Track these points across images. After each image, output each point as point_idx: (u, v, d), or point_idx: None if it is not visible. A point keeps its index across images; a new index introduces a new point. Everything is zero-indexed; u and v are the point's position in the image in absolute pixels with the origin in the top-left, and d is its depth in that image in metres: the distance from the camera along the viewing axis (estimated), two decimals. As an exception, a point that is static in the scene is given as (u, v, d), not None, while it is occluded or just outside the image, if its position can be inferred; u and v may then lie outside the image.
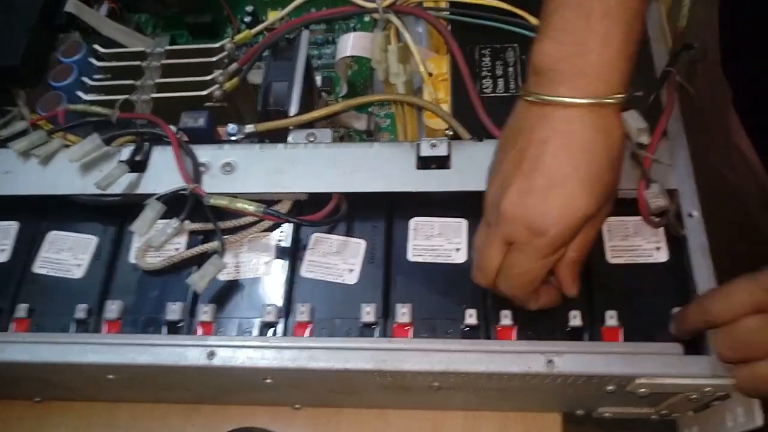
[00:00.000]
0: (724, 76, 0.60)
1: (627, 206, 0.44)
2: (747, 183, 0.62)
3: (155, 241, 0.46)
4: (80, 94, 0.54)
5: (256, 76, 0.58)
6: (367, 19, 0.65)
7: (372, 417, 0.51)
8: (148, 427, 0.52)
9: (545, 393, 0.45)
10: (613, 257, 0.45)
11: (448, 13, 0.55)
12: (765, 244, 0.63)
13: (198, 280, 0.44)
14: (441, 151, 0.46)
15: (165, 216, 0.46)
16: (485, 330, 0.43)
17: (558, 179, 0.34)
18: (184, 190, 0.47)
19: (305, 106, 0.53)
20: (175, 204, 0.47)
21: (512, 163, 0.36)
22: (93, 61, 0.56)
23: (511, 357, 0.40)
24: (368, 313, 0.44)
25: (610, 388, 0.41)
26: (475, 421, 0.51)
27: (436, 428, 0.51)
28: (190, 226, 0.47)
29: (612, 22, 0.34)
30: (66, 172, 0.49)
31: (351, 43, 0.59)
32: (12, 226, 0.50)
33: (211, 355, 0.41)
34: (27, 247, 0.49)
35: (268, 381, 0.43)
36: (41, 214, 0.50)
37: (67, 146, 0.50)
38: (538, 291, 0.39)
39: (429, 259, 0.46)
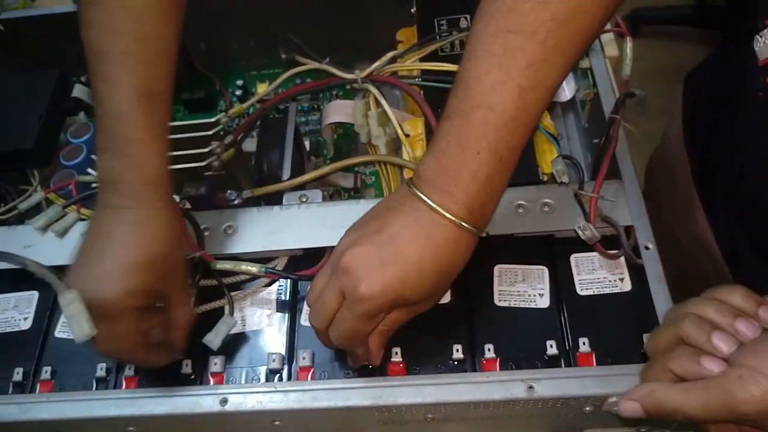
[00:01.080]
0: (685, 149, 0.65)
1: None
2: (703, 256, 0.65)
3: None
4: (90, 171, 0.59)
5: (250, 145, 0.64)
6: (348, 87, 0.72)
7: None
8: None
9: (531, 419, 0.49)
10: (582, 290, 0.50)
11: (420, 80, 0.61)
12: None
13: (213, 338, 0.48)
14: (421, 203, 0.51)
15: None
16: (471, 363, 0.48)
17: (401, 261, 0.39)
18: (192, 256, 0.52)
19: (296, 170, 0.58)
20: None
21: (372, 229, 0.40)
22: (100, 140, 0.61)
23: (495, 386, 0.44)
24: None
25: (587, 408, 0.45)
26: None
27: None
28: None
29: (482, 161, 0.38)
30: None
31: (334, 110, 0.65)
32: (33, 296, 0.54)
33: (224, 401, 0.45)
34: (47, 313, 0.53)
35: (277, 423, 0.47)
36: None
37: (82, 219, 0.55)
38: (360, 350, 0.44)
39: (417, 302, 0.50)
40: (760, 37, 0.47)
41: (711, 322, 0.37)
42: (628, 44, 0.57)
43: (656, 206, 0.70)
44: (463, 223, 0.39)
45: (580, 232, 0.46)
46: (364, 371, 0.48)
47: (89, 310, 0.40)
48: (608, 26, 0.59)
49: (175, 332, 0.46)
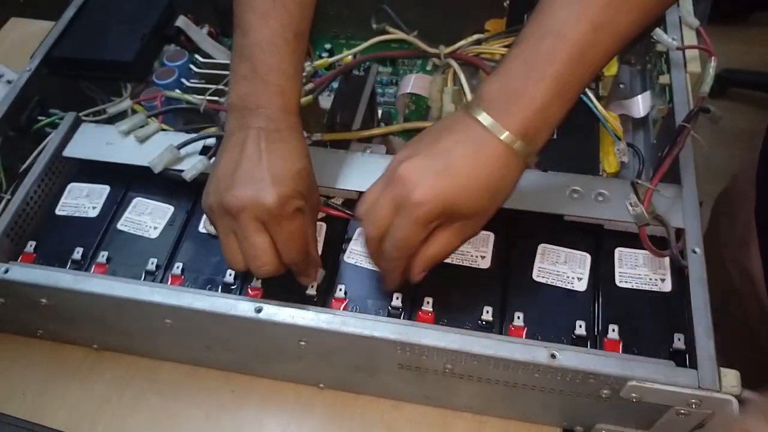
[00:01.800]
0: (754, 185, 0.65)
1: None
2: (750, 295, 0.64)
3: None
4: (177, 91, 0.63)
5: (325, 102, 0.67)
6: (429, 68, 0.74)
7: (387, 406, 0.56)
8: (181, 383, 0.58)
9: (546, 397, 0.49)
10: (621, 282, 0.50)
11: (501, 64, 0.63)
12: (762, 353, 0.66)
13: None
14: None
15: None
16: (499, 327, 0.49)
17: (454, 172, 0.40)
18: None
19: (366, 127, 0.61)
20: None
21: (427, 144, 0.42)
22: (192, 67, 0.66)
23: (518, 347, 0.45)
24: (397, 298, 0.50)
25: (605, 392, 0.45)
26: (480, 425, 0.55)
27: (445, 424, 0.55)
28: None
29: (543, 88, 0.40)
30: (157, 150, 0.57)
31: (412, 83, 0.68)
32: (105, 189, 0.58)
33: (259, 309, 0.47)
34: (115, 207, 0.57)
35: (303, 343, 0.49)
36: (130, 181, 0.58)
37: (162, 130, 0.59)
38: (402, 269, 0.45)
39: (456, 262, 0.52)
40: None
41: None
42: (712, 63, 0.58)
43: (715, 243, 0.70)
44: (513, 145, 0.40)
45: (630, 209, 0.47)
46: (395, 314, 0.50)
47: (254, 215, 0.44)
48: (695, 42, 0.60)
49: (312, 244, 0.49)
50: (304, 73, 0.64)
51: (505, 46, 0.65)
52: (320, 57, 0.76)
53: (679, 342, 0.46)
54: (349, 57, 0.70)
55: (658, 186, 0.50)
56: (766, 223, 0.62)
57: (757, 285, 0.63)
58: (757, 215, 0.63)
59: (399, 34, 0.68)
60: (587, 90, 0.59)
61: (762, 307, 0.62)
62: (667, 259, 0.51)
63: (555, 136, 0.59)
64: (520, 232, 0.53)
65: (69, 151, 0.58)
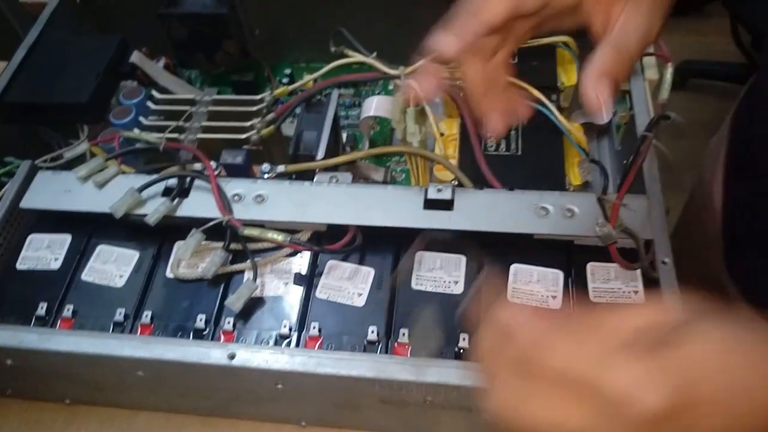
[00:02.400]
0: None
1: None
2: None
3: (207, 272, 0.52)
4: (136, 131, 0.61)
5: (288, 129, 0.66)
6: (391, 87, 0.74)
7: (371, 439, 0.55)
8: (160, 433, 0.57)
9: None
10: (595, 297, 0.50)
11: (461, 82, 0.63)
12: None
13: (235, 301, 0.50)
14: (446, 195, 0.53)
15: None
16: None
17: None
18: (221, 221, 0.53)
19: (331, 154, 0.60)
20: (211, 229, 0.53)
21: None
22: (150, 104, 0.64)
23: (497, 375, 0.44)
24: (372, 332, 0.49)
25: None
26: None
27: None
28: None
29: None
30: (117, 194, 0.55)
31: (374, 105, 0.67)
32: (66, 238, 0.57)
33: (232, 356, 0.46)
34: (78, 257, 0.56)
35: (280, 386, 0.48)
36: (92, 229, 0.57)
37: (122, 173, 0.58)
38: None
39: (430, 289, 0.51)
40: None
41: None
42: (669, 69, 0.58)
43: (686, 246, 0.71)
44: None
45: (597, 229, 0.47)
46: (371, 349, 0.49)
47: None
48: (651, 50, 0.60)
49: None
50: (263, 104, 0.63)
51: (464, 64, 0.64)
52: (281, 83, 0.75)
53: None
54: (311, 82, 0.69)
55: (625, 199, 0.50)
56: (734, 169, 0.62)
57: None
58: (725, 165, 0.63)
59: (358, 57, 0.67)
60: (549, 103, 0.59)
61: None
62: (639, 271, 0.51)
63: (519, 153, 0.59)
64: (491, 253, 0.53)
65: (26, 203, 0.56)
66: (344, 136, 0.71)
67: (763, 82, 0.57)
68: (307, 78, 0.70)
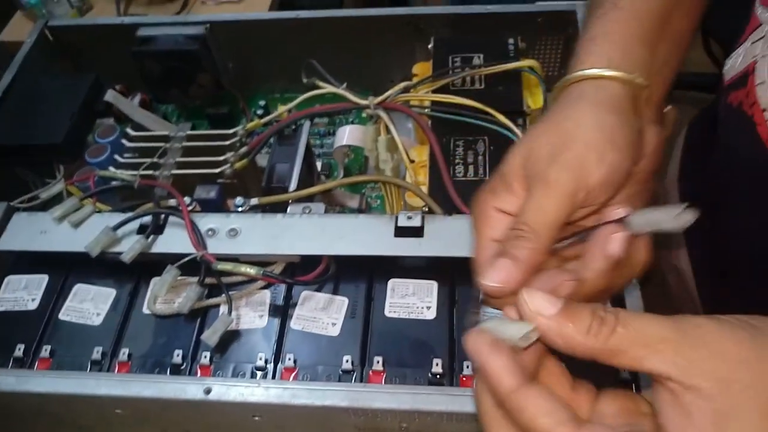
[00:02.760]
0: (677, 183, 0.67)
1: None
2: (680, 291, 0.66)
3: (183, 308, 0.52)
4: (112, 169, 0.62)
5: (263, 160, 0.67)
6: (364, 115, 0.75)
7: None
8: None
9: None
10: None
11: (429, 110, 0.64)
12: None
13: (210, 335, 0.50)
14: (415, 222, 0.54)
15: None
16: (450, 378, 0.49)
17: None
18: (195, 256, 0.54)
19: (304, 185, 0.61)
20: (186, 264, 0.54)
21: None
22: (124, 141, 0.65)
23: (470, 399, 0.45)
24: (347, 361, 0.50)
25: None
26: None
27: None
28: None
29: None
30: (93, 233, 0.56)
31: (347, 135, 0.68)
32: (43, 279, 0.57)
33: (208, 391, 0.47)
34: (55, 297, 0.56)
35: (257, 418, 0.48)
36: (69, 268, 0.58)
37: (98, 212, 0.58)
38: None
39: (403, 315, 0.52)
40: (729, 58, 0.49)
41: None
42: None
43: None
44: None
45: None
46: (347, 378, 0.50)
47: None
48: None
49: None
50: (236, 138, 0.64)
51: (433, 92, 0.66)
52: (255, 114, 0.76)
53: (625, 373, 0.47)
54: (284, 113, 0.70)
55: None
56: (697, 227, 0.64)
57: (687, 284, 0.65)
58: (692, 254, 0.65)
59: (328, 88, 0.69)
60: (515, 128, 0.60)
61: (694, 304, 0.64)
62: (606, 291, 0.52)
63: (486, 177, 0.60)
64: (462, 278, 0.54)
65: (2, 244, 0.57)
66: (319, 164, 0.73)
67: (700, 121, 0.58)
68: (281, 109, 0.71)
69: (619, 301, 0.50)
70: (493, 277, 0.31)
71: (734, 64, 0.49)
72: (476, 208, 0.36)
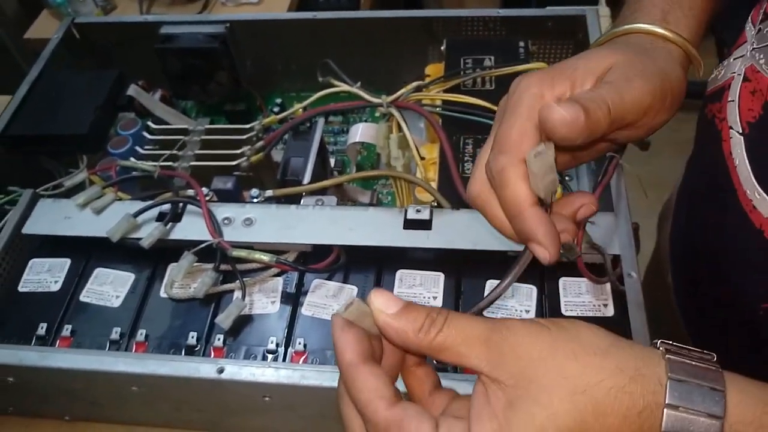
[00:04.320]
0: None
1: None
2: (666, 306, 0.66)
3: (199, 292, 0.55)
4: (133, 159, 0.65)
5: (278, 155, 0.69)
6: (377, 113, 0.77)
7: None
8: (158, 449, 0.59)
9: None
10: (566, 310, 0.53)
11: (441, 109, 0.66)
12: None
13: (224, 318, 0.53)
14: (424, 215, 0.55)
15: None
16: (455, 366, 0.51)
17: None
18: (212, 243, 0.56)
19: (317, 178, 0.63)
20: (202, 251, 0.56)
21: None
22: (145, 134, 0.68)
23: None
24: (355, 346, 0.52)
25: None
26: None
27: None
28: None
29: None
30: (114, 220, 0.58)
31: (360, 132, 0.70)
32: (66, 262, 0.60)
33: (221, 370, 0.49)
34: (76, 279, 0.58)
35: (267, 399, 0.50)
36: (90, 253, 0.60)
37: (119, 200, 0.61)
38: None
39: (410, 305, 0.54)
40: (716, 68, 0.50)
41: None
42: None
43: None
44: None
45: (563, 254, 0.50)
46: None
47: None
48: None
49: None
50: (253, 133, 0.66)
51: (445, 92, 0.68)
52: (272, 112, 0.79)
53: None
54: (299, 110, 0.73)
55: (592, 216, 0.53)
56: (679, 235, 0.65)
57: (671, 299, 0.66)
58: (672, 228, 0.66)
59: (343, 87, 0.71)
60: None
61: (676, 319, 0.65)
62: (608, 285, 0.53)
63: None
64: (468, 270, 0.55)
65: (28, 228, 0.60)
66: (332, 161, 0.75)
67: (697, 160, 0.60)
68: (296, 107, 0.73)
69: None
70: (568, 110, 0.33)
71: (717, 76, 0.50)
72: (527, 92, 0.36)
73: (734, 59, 0.47)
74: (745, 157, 0.44)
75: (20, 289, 0.59)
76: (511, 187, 0.34)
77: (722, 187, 0.47)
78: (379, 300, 0.31)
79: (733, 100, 0.46)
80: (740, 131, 0.45)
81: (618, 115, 0.35)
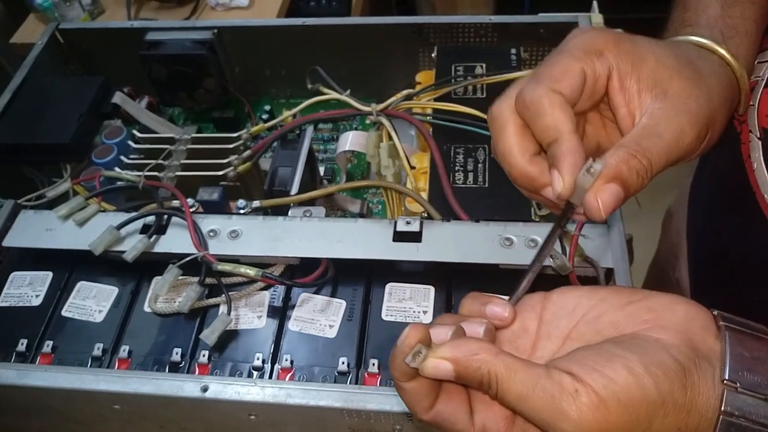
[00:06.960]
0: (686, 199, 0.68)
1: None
2: None
3: (183, 307, 0.53)
4: (117, 169, 0.63)
5: (266, 164, 0.68)
6: (367, 121, 0.76)
7: (345, 467, 0.56)
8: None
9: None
10: (558, 325, 0.52)
11: (431, 117, 0.65)
12: None
13: (209, 334, 0.51)
14: (414, 227, 0.54)
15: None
16: (444, 382, 0.50)
17: None
18: (196, 256, 0.55)
19: (306, 188, 0.62)
20: (188, 264, 0.55)
21: None
22: (130, 143, 0.66)
23: (462, 403, 0.46)
24: (343, 363, 0.50)
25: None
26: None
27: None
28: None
29: None
30: (97, 232, 0.57)
31: (350, 140, 0.69)
32: (47, 275, 0.58)
33: (205, 389, 0.48)
34: (58, 293, 0.57)
35: (252, 417, 0.49)
36: (73, 266, 0.59)
37: (102, 211, 0.59)
38: None
39: (400, 319, 0.53)
40: None
41: None
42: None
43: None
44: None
45: (551, 261, 0.49)
46: (342, 379, 0.50)
47: None
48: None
49: None
50: (240, 142, 0.65)
51: (435, 100, 0.67)
52: (261, 119, 0.78)
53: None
54: (289, 118, 0.71)
55: (586, 229, 0.52)
56: (695, 233, 0.65)
57: (685, 295, 0.66)
58: (688, 226, 0.66)
59: (332, 94, 0.70)
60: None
61: None
62: (601, 299, 0.52)
63: (486, 185, 0.61)
64: (458, 283, 0.54)
65: (8, 241, 0.58)
66: (322, 169, 0.74)
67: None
68: (285, 114, 0.72)
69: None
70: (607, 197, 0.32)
71: None
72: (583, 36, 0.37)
73: (758, 63, 0.47)
74: (763, 162, 0.45)
75: (0, 303, 0.57)
76: (548, 114, 0.33)
77: (740, 189, 0.47)
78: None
79: (753, 105, 0.46)
80: (758, 135, 0.45)
81: (655, 171, 0.34)
